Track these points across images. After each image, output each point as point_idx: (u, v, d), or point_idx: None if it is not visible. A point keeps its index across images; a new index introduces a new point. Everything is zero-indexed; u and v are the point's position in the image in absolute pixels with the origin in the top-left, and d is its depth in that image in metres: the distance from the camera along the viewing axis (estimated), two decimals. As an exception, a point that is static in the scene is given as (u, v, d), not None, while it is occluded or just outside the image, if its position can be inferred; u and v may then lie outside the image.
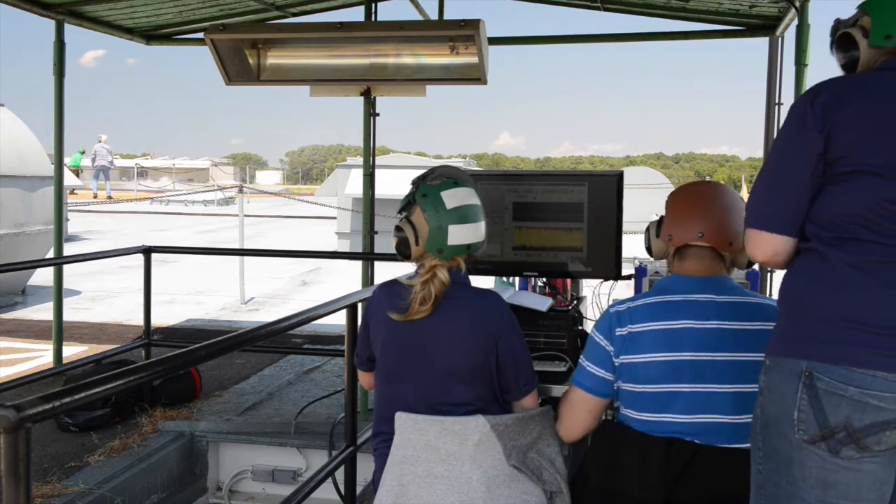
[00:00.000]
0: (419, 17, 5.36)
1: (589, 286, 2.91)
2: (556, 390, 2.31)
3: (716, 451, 1.83)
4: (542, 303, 2.53)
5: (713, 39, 5.62)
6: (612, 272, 2.58)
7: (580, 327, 2.63)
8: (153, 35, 5.93)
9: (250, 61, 4.33)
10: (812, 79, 4.52)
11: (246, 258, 8.98)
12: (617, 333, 1.98)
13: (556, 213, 2.59)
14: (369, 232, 4.84)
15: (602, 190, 2.55)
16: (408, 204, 2.11)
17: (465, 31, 3.80)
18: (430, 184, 2.10)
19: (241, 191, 10.41)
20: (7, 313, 8.00)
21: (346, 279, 9.97)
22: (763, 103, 5.58)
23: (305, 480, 2.77)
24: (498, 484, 1.98)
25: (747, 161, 69.63)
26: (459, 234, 2.05)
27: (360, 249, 5.02)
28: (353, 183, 11.58)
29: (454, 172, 2.17)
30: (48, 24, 5.21)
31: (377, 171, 4.98)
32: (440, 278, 2.03)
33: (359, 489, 3.11)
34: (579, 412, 2.05)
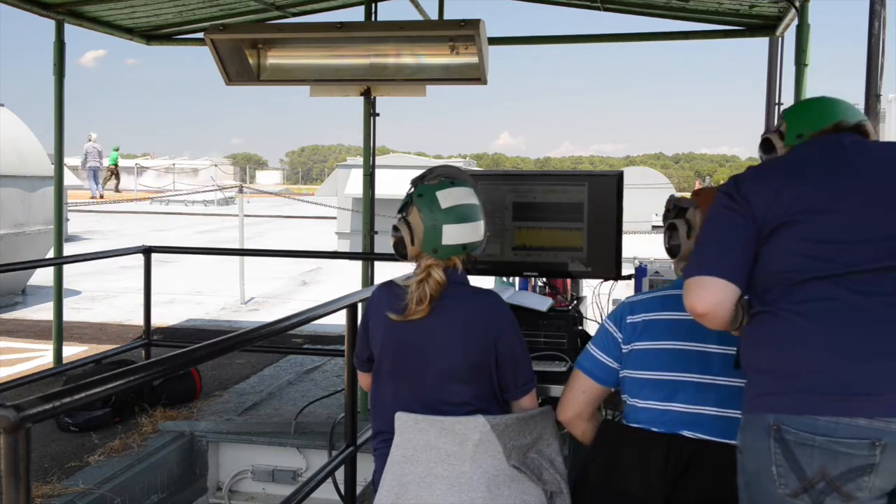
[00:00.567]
0: (419, 17, 5.36)
1: (589, 286, 2.91)
2: (556, 390, 2.31)
3: (716, 450, 1.83)
4: (542, 303, 2.53)
5: (713, 39, 5.63)
6: (612, 272, 2.58)
7: (580, 327, 2.63)
8: (153, 35, 5.92)
9: (250, 61, 4.33)
10: (812, 79, 4.52)
11: (246, 258, 8.98)
12: (628, 321, 2.01)
13: (556, 213, 2.59)
14: (369, 232, 4.84)
15: (602, 190, 2.55)
16: (406, 204, 2.12)
17: (465, 31, 3.80)
18: (428, 183, 2.11)
19: (241, 191, 10.41)
20: (7, 313, 8.00)
21: (346, 279, 9.97)
22: (763, 103, 5.59)
23: (305, 480, 2.77)
24: (498, 484, 1.98)
25: (747, 161, 69.53)
26: (454, 234, 2.06)
27: (360, 249, 5.02)
28: (353, 183, 11.58)
29: (453, 172, 2.17)
30: (48, 24, 5.21)
31: (377, 171, 4.97)
32: (435, 278, 2.03)
33: (359, 489, 3.10)
34: (573, 390, 2.10)
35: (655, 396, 1.93)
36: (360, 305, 2.78)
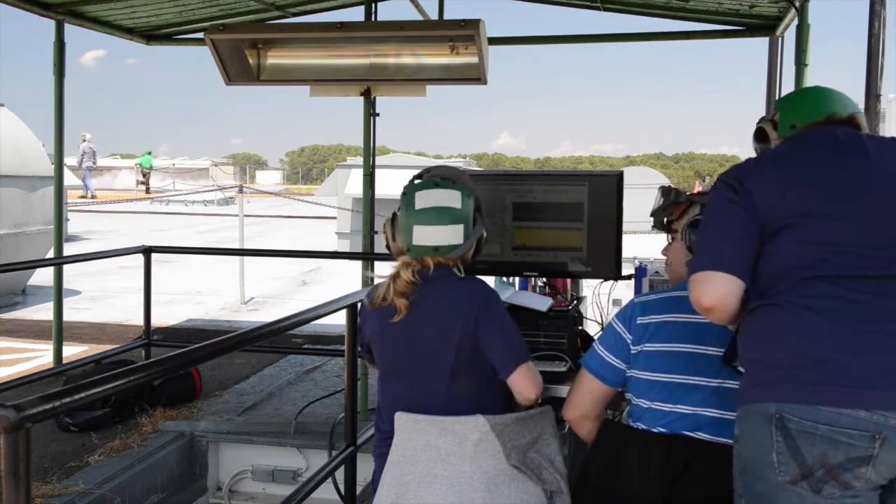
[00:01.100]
0: (419, 17, 5.36)
1: (589, 286, 2.91)
2: (557, 390, 2.31)
3: (716, 451, 1.84)
4: (542, 303, 2.53)
5: (713, 39, 5.63)
6: (612, 272, 2.58)
7: (580, 327, 2.63)
8: (153, 35, 5.93)
9: (250, 61, 4.32)
10: (812, 79, 4.52)
11: (246, 258, 8.98)
12: (638, 322, 2.00)
13: (556, 213, 2.59)
14: (369, 232, 4.84)
15: (602, 190, 2.55)
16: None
17: (465, 31, 3.80)
18: (415, 182, 2.16)
19: (241, 191, 10.41)
20: (7, 313, 8.00)
21: (346, 279, 9.97)
22: (763, 103, 5.59)
23: (305, 480, 2.77)
24: (498, 483, 1.98)
25: (747, 161, 69.46)
26: (422, 235, 2.08)
27: (360, 249, 5.02)
28: (353, 183, 11.57)
29: (447, 173, 2.18)
30: (48, 24, 5.21)
31: (377, 171, 4.98)
32: (403, 277, 2.06)
33: (359, 489, 3.10)
34: (579, 391, 2.09)
35: (661, 398, 1.93)
36: (360, 305, 2.79)
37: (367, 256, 4.85)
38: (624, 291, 2.75)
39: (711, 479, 1.83)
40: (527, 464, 2.03)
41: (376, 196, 4.94)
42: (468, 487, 1.97)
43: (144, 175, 27.76)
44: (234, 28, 4.35)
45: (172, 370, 1.93)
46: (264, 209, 22.51)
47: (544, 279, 2.82)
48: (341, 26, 4.02)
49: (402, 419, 2.04)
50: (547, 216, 2.60)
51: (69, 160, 22.40)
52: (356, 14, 5.54)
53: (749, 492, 1.60)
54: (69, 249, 8.21)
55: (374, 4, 4.86)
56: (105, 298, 8.98)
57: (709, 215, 1.73)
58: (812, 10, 4.45)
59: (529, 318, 2.46)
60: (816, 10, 4.46)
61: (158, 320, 6.88)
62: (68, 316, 6.46)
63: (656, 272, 2.85)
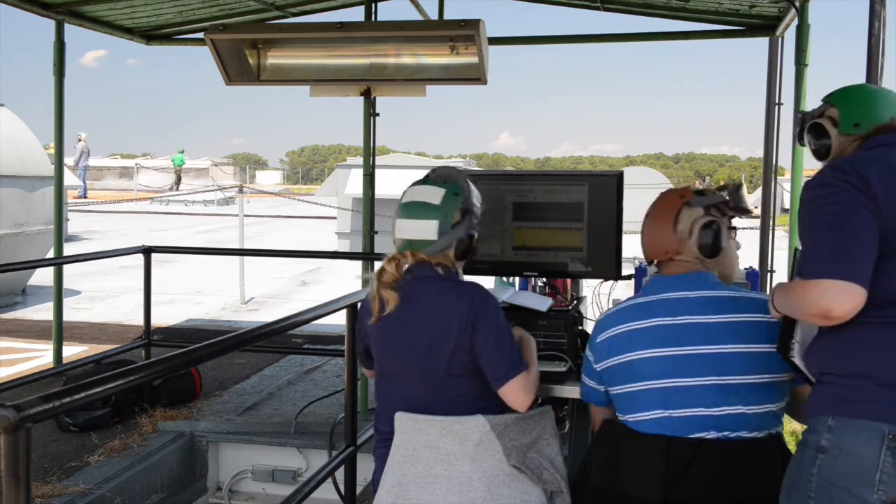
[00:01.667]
0: (419, 17, 5.36)
1: (589, 286, 2.91)
2: (557, 390, 2.31)
3: (715, 449, 1.84)
4: (542, 303, 2.53)
5: (713, 39, 5.63)
6: (612, 272, 2.58)
7: (580, 327, 2.63)
8: (153, 35, 5.92)
9: (250, 61, 4.33)
10: (812, 79, 4.52)
11: (246, 258, 8.97)
12: (598, 341, 2.06)
13: (556, 213, 2.59)
14: (369, 232, 4.84)
15: (602, 190, 2.55)
16: None
17: (465, 31, 3.80)
18: (416, 179, 2.19)
19: (241, 191, 10.41)
20: (7, 313, 7.99)
21: (346, 279, 9.98)
22: (763, 103, 5.58)
23: (305, 480, 2.77)
24: (498, 484, 1.98)
25: (747, 161, 69.64)
26: (400, 229, 2.12)
27: (360, 249, 5.02)
28: (353, 183, 11.56)
29: (445, 172, 2.21)
30: (48, 24, 5.21)
31: (377, 171, 4.97)
32: (387, 270, 2.08)
33: (359, 489, 3.11)
34: (592, 415, 2.18)
35: (641, 408, 1.94)
36: (360, 305, 2.79)
37: (367, 256, 4.85)
38: (624, 291, 2.74)
39: (711, 478, 1.83)
40: (527, 464, 2.03)
41: (376, 196, 4.94)
42: (468, 488, 1.97)
43: (177, 173, 29.53)
44: (234, 28, 4.35)
45: (172, 370, 1.93)
46: (264, 209, 22.50)
47: (544, 279, 2.82)
48: (341, 26, 4.02)
49: (402, 419, 2.04)
50: (547, 216, 2.60)
51: (68, 160, 22.45)
52: (356, 14, 5.54)
53: (833, 503, 1.58)
54: (69, 249, 8.21)
55: (374, 4, 4.85)
56: (105, 298, 8.98)
57: (838, 215, 1.60)
58: (812, 10, 4.44)
59: (529, 318, 2.46)
60: (816, 10, 4.47)
61: (158, 320, 6.88)
62: (68, 316, 6.46)
63: (656, 272, 2.84)
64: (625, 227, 2.58)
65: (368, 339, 2.19)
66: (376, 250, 4.86)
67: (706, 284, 1.98)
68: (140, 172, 31.88)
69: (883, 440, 1.52)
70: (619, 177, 2.57)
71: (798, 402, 1.97)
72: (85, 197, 21.93)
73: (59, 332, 5.32)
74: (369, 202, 4.87)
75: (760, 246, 5.61)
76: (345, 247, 12.45)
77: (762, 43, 5.54)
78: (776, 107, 5.35)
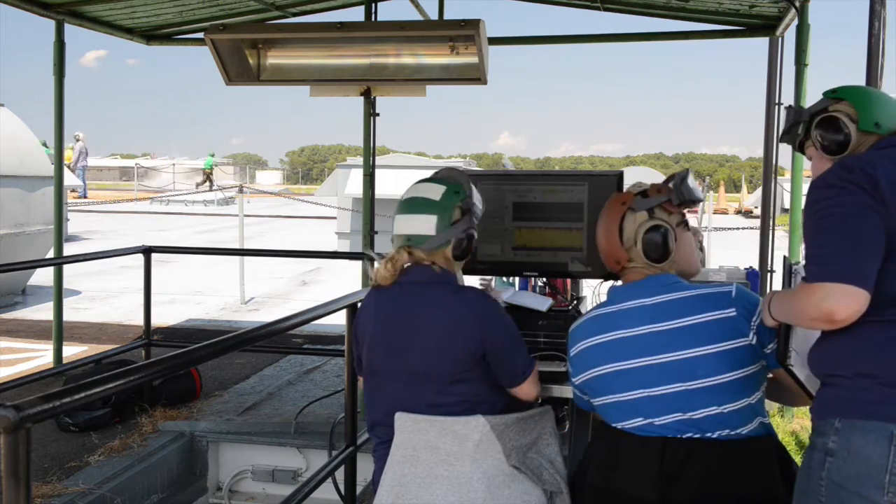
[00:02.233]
0: (419, 17, 5.36)
1: (589, 286, 2.91)
2: (557, 390, 2.31)
3: (710, 448, 1.84)
4: (542, 303, 2.53)
5: (713, 39, 5.62)
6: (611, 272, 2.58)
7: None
8: (153, 35, 5.93)
9: (250, 61, 4.32)
10: (812, 79, 4.52)
11: (246, 258, 8.97)
12: (571, 355, 2.07)
13: (556, 213, 2.59)
14: (369, 232, 4.84)
15: (602, 190, 2.55)
16: None
17: (465, 31, 3.80)
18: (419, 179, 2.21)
19: (241, 191, 10.41)
20: (7, 313, 7.99)
21: (346, 279, 9.97)
22: (763, 103, 5.58)
23: (305, 480, 2.77)
24: (498, 484, 1.98)
25: (747, 161, 69.69)
26: (400, 225, 2.13)
27: (360, 249, 5.02)
28: (353, 183, 11.56)
29: (446, 172, 2.22)
30: (48, 24, 5.21)
31: (377, 171, 4.98)
32: (383, 271, 2.10)
33: (359, 489, 3.11)
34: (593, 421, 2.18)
35: (615, 419, 1.95)
36: (359, 305, 2.79)
37: (367, 256, 4.84)
38: (624, 291, 2.74)
39: (707, 477, 1.83)
40: (527, 464, 2.03)
41: (376, 196, 4.94)
42: (468, 488, 1.97)
43: (206, 175, 31.51)
44: (234, 28, 4.35)
45: (172, 370, 1.93)
46: (264, 209, 22.51)
47: (544, 279, 2.82)
48: (341, 26, 4.02)
49: (402, 419, 2.04)
50: (547, 216, 2.60)
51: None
52: (356, 14, 5.55)
53: None
54: (69, 249, 8.21)
55: (374, 4, 4.85)
56: (105, 298, 8.98)
57: (842, 217, 1.58)
58: (812, 10, 4.45)
59: (529, 318, 2.46)
60: (816, 10, 4.47)
61: (158, 320, 6.88)
62: (68, 316, 6.46)
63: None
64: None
65: (363, 346, 2.18)
66: (376, 250, 4.86)
67: (664, 288, 1.95)
68: (150, 175, 32.81)
69: (891, 441, 1.51)
70: (619, 177, 2.57)
71: (776, 383, 1.96)
72: (85, 197, 21.95)
73: (59, 332, 5.32)
74: (369, 202, 4.87)
75: (760, 246, 5.61)
76: (345, 247, 12.46)
77: (762, 43, 5.54)
78: (776, 107, 5.35)
